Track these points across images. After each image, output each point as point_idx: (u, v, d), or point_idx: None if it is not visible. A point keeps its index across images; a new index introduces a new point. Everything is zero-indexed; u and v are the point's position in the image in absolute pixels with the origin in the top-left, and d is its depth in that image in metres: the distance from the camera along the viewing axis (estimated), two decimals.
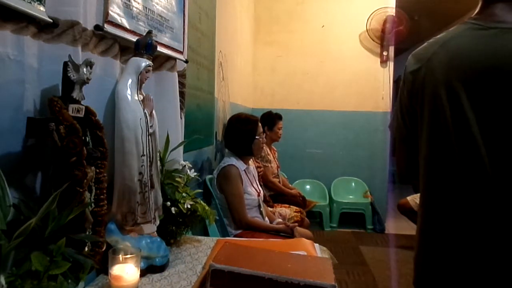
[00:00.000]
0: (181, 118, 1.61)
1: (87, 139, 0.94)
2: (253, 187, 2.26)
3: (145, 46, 1.12)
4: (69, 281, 0.77)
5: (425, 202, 0.97)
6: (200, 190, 1.76)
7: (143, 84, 1.13)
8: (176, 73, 1.55)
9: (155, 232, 1.18)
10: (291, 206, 2.93)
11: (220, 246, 1.13)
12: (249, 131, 2.29)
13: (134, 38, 1.16)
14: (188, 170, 1.43)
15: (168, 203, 1.28)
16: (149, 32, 1.14)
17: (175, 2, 1.52)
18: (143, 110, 1.09)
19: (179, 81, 1.57)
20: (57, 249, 0.73)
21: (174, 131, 1.48)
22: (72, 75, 0.86)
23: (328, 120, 4.47)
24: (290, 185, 3.70)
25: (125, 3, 1.16)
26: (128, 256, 0.96)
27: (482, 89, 0.85)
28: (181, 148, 1.51)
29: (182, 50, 1.61)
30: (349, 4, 4.41)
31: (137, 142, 1.06)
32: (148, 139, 1.10)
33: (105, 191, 0.99)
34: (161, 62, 1.45)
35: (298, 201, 3.27)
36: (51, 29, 0.88)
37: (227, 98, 3.09)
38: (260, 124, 2.38)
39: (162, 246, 1.15)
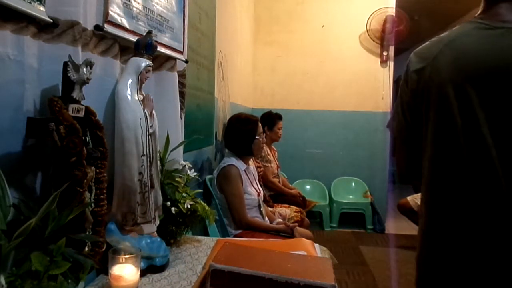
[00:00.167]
0: (181, 118, 1.61)
1: (87, 139, 0.94)
2: (253, 187, 2.26)
3: (145, 46, 1.12)
4: (69, 281, 0.76)
5: (429, 202, 0.95)
6: (200, 190, 1.76)
7: (143, 84, 1.13)
8: (176, 73, 1.54)
9: (155, 232, 1.18)
10: (291, 206, 2.93)
11: (220, 246, 1.13)
12: (249, 131, 2.29)
13: (134, 38, 1.16)
14: (188, 170, 1.43)
15: (168, 203, 1.28)
16: (149, 32, 1.14)
17: (175, 2, 1.52)
18: (143, 110, 1.09)
19: (179, 81, 1.57)
20: (57, 249, 0.73)
21: (174, 131, 1.48)
22: (72, 75, 0.86)
23: (328, 120, 4.47)
24: (290, 185, 3.70)
25: (125, 3, 1.16)
26: (128, 256, 0.96)
27: (491, 88, 0.84)
28: (181, 148, 1.51)
29: (182, 50, 1.61)
30: (349, 4, 4.41)
31: (137, 142, 1.06)
32: (148, 139, 1.10)
33: (105, 191, 0.99)
34: (161, 62, 1.45)
35: (298, 201, 3.27)
36: (51, 29, 0.88)
37: (227, 98, 3.09)
38: (260, 124, 2.38)
39: (162, 246, 1.15)
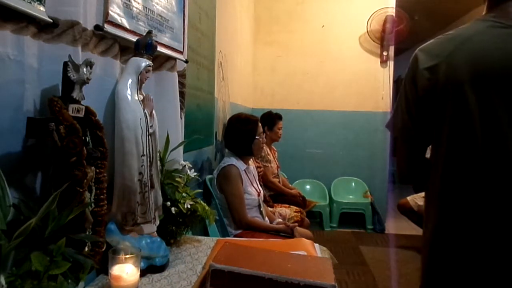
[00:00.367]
0: (181, 118, 1.61)
1: (87, 139, 0.94)
2: (253, 187, 2.26)
3: (145, 46, 1.12)
4: (69, 281, 0.76)
5: (441, 203, 0.93)
6: (200, 190, 1.76)
7: (143, 84, 1.13)
8: (176, 73, 1.55)
9: (155, 232, 1.18)
10: (291, 206, 2.93)
11: (220, 246, 1.13)
12: (249, 131, 2.29)
13: (134, 38, 1.16)
14: (188, 170, 1.43)
15: (168, 203, 1.28)
16: (149, 32, 1.14)
17: (175, 2, 1.52)
18: (143, 110, 1.09)
19: (179, 81, 1.57)
20: (57, 249, 0.73)
21: (174, 131, 1.48)
22: (72, 75, 0.86)
23: (328, 120, 4.47)
24: (290, 185, 3.70)
25: (125, 3, 1.16)
26: (128, 256, 0.96)
27: (509, 87, 0.83)
28: (181, 148, 1.51)
29: (182, 50, 1.61)
30: (349, 4, 4.41)
31: (137, 142, 1.06)
32: (148, 139, 1.10)
33: (105, 191, 0.99)
34: (161, 62, 1.45)
35: (298, 201, 3.28)
36: (51, 29, 0.88)
37: (227, 98, 3.09)
38: (260, 124, 2.38)
39: (162, 246, 1.15)
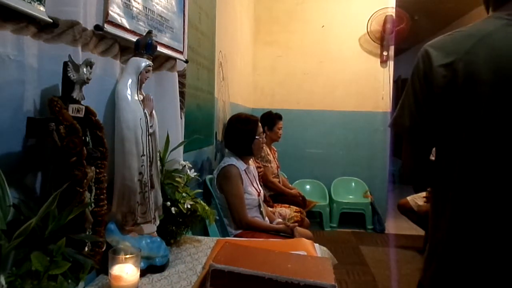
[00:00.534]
0: (181, 118, 1.61)
1: (87, 139, 0.94)
2: (253, 187, 2.26)
3: (145, 46, 1.12)
4: (69, 281, 0.76)
5: (458, 203, 0.90)
6: (200, 190, 1.76)
7: (143, 84, 1.13)
8: (176, 73, 1.55)
9: (155, 232, 1.18)
10: (291, 206, 2.93)
11: (220, 246, 1.13)
12: (249, 131, 2.29)
13: (134, 38, 1.16)
14: (188, 170, 1.43)
15: (168, 203, 1.28)
16: (149, 32, 1.14)
17: (175, 2, 1.52)
18: (143, 110, 1.09)
19: (179, 81, 1.57)
20: (57, 249, 0.73)
21: (174, 131, 1.48)
22: (72, 75, 0.86)
23: (328, 120, 4.47)
24: (290, 185, 3.70)
25: (125, 3, 1.16)
26: (128, 256, 0.96)
27: None
28: (181, 148, 1.51)
29: (182, 50, 1.61)
30: (349, 4, 4.41)
31: (137, 142, 1.06)
32: (148, 139, 1.10)
33: (105, 191, 0.99)
34: (161, 62, 1.45)
35: (298, 201, 3.28)
36: (51, 29, 0.88)
37: (227, 98, 3.09)
38: (260, 124, 2.38)
39: (162, 246, 1.15)
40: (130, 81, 1.08)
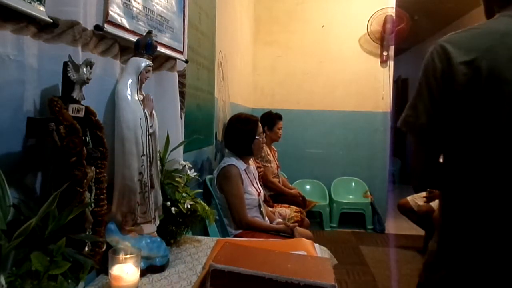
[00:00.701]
0: (181, 118, 1.61)
1: (87, 139, 0.94)
2: (253, 186, 2.26)
3: (145, 46, 1.12)
4: (69, 281, 0.76)
5: (473, 211, 0.88)
6: (200, 190, 1.76)
7: (143, 84, 1.13)
8: (176, 73, 1.55)
9: (155, 232, 1.18)
10: (291, 206, 2.93)
11: (220, 246, 1.13)
12: (249, 131, 2.29)
13: (134, 38, 1.16)
14: (188, 170, 1.43)
15: (168, 203, 1.28)
16: (149, 32, 1.14)
17: (175, 2, 1.52)
18: (143, 110, 1.09)
19: (179, 81, 1.57)
20: (57, 249, 0.73)
21: (174, 131, 1.48)
22: (72, 75, 0.86)
23: (328, 120, 4.47)
24: (290, 185, 3.70)
25: (125, 3, 1.16)
26: (128, 256, 0.96)
27: None
28: (181, 148, 1.51)
29: (182, 50, 1.61)
30: (349, 4, 4.41)
31: (137, 142, 1.06)
32: (148, 139, 1.10)
33: (105, 191, 0.99)
34: (161, 62, 1.45)
35: (298, 201, 3.28)
36: (51, 29, 0.88)
37: (227, 98, 3.09)
38: (260, 124, 2.38)
39: (162, 246, 1.15)
40: (130, 81, 1.08)
